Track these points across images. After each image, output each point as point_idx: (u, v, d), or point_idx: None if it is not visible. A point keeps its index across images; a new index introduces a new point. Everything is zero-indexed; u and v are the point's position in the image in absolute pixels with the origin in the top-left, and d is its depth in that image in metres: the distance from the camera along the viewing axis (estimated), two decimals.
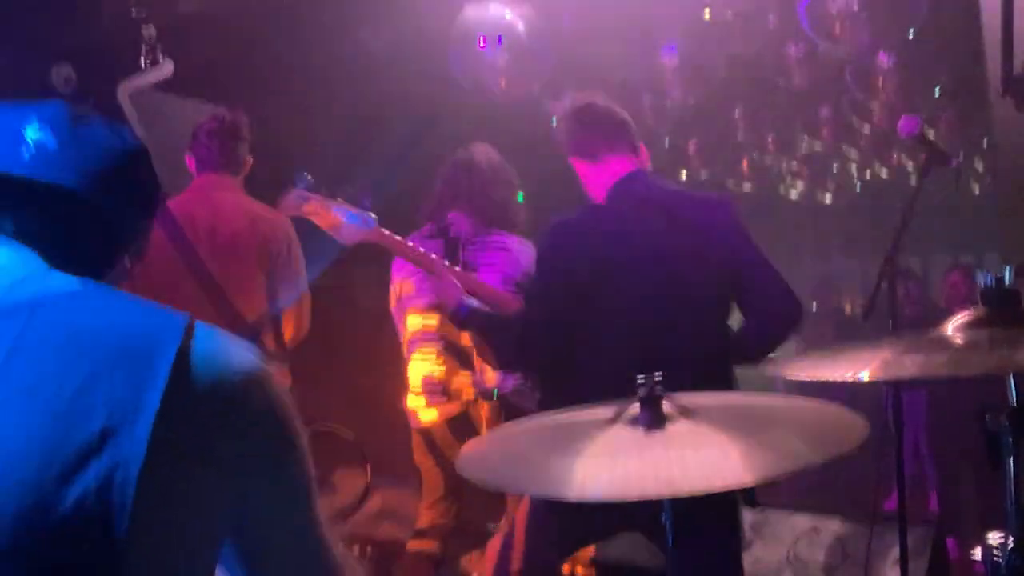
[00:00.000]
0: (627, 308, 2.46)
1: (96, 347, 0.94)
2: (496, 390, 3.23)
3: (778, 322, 2.55)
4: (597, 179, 2.63)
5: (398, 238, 2.98)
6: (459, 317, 2.75)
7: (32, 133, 1.08)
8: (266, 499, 1.02)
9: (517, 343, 2.60)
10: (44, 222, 1.07)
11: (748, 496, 2.66)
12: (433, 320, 3.29)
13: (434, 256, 2.99)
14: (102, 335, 0.96)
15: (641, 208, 2.56)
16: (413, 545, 3.46)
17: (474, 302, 2.77)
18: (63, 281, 1.02)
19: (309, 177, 2.93)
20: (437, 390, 3.29)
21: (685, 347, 2.37)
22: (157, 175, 1.19)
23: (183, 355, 0.96)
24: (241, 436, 0.98)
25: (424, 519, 3.44)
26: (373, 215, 2.93)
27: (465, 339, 3.18)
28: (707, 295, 2.50)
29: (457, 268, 3.07)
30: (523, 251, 3.27)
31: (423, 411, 3.32)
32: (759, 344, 2.51)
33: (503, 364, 2.92)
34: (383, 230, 2.94)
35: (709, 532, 2.33)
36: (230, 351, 1.02)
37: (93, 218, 1.10)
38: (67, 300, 0.99)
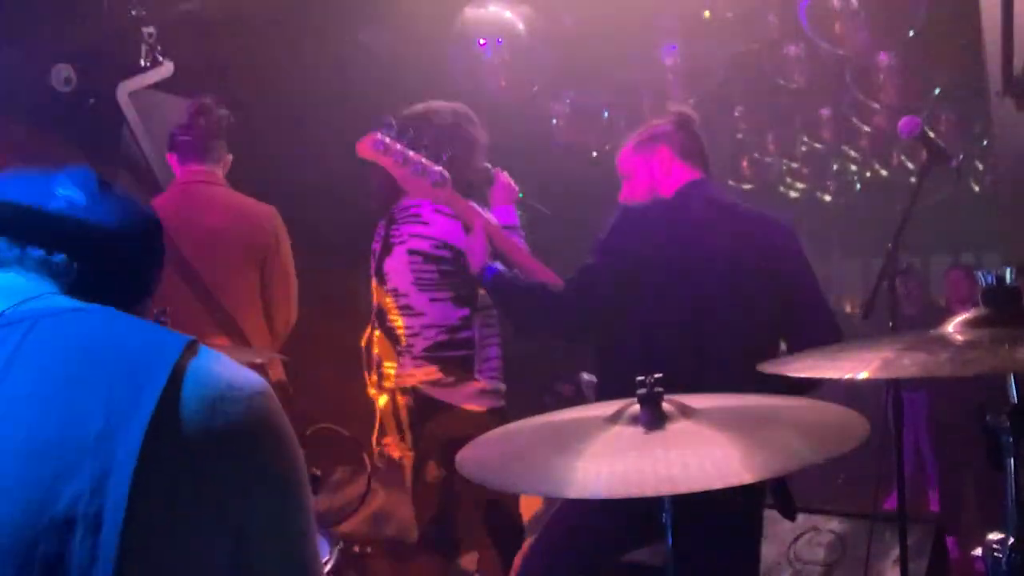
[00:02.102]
0: (680, 305, 2.48)
1: (96, 357, 0.95)
2: (410, 384, 3.08)
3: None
4: (666, 178, 2.68)
5: (464, 201, 2.90)
6: (483, 279, 2.78)
7: (62, 190, 1.12)
8: (259, 528, 0.99)
9: (553, 306, 2.63)
10: (70, 259, 1.10)
11: (787, 510, 2.61)
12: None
13: (486, 221, 2.91)
14: (102, 347, 0.97)
15: (709, 212, 2.61)
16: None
17: (499, 265, 2.77)
18: (69, 301, 1.04)
19: (393, 123, 2.84)
20: (376, 373, 3.21)
21: (733, 355, 2.38)
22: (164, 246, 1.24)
23: (178, 372, 0.96)
24: (234, 459, 0.97)
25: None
26: (447, 175, 2.86)
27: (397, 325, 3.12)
28: (761, 312, 2.52)
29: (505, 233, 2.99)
30: (438, 219, 3.04)
31: (379, 397, 3.21)
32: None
33: (519, 329, 2.87)
34: (454, 192, 2.87)
35: (724, 542, 2.34)
36: (228, 373, 1.01)
37: (118, 262, 1.14)
38: (71, 314, 1.01)
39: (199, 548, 0.95)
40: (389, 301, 3.12)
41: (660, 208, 2.64)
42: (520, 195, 3.38)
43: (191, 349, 1.00)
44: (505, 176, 3.33)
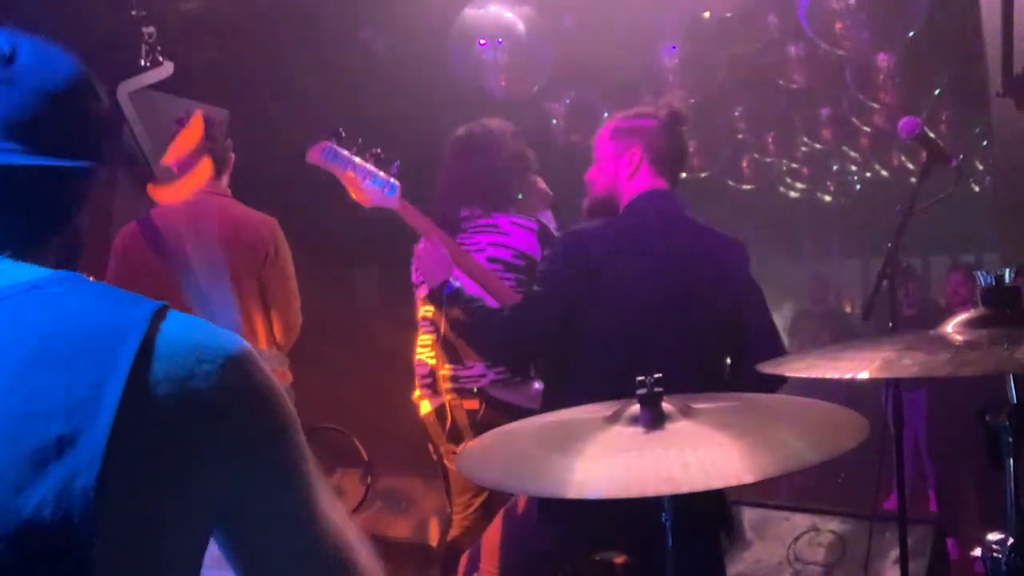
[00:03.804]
0: (630, 326, 2.43)
1: (55, 345, 0.88)
2: (476, 387, 3.12)
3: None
4: (627, 181, 2.60)
5: (416, 211, 2.87)
6: (439, 296, 2.70)
7: None
8: (251, 490, 0.95)
9: (500, 336, 2.57)
10: None
11: (729, 530, 2.57)
12: (430, 309, 3.19)
13: (442, 233, 2.88)
14: (62, 331, 0.89)
15: (659, 228, 2.53)
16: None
17: (457, 284, 2.70)
18: (27, 272, 0.95)
19: (343, 133, 2.84)
20: (427, 383, 3.21)
21: (684, 375, 2.33)
22: (96, 101, 1.07)
23: (147, 348, 0.90)
24: (214, 427, 0.92)
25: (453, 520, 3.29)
26: (397, 183, 2.84)
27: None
28: (709, 334, 2.48)
29: (468, 250, 3.00)
30: (515, 230, 3.15)
31: (421, 403, 3.26)
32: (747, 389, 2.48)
33: (480, 353, 2.85)
34: (404, 201, 2.85)
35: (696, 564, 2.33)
36: (202, 339, 0.94)
37: (37, 190, 1.00)
38: (27, 294, 0.92)
39: (175, 535, 0.90)
40: None
41: (606, 229, 2.54)
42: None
43: (158, 320, 0.92)
44: (540, 182, 3.38)
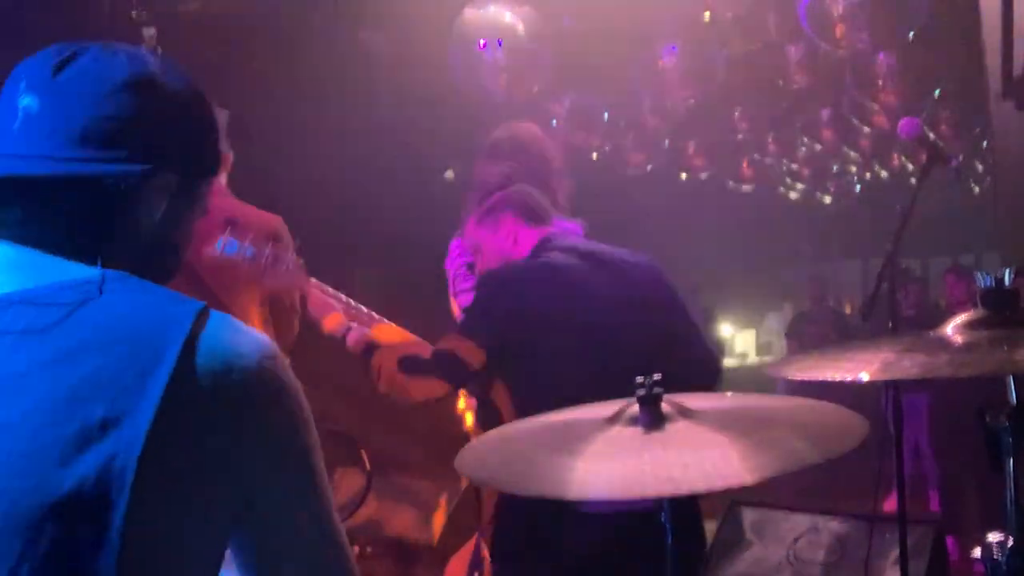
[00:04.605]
0: (567, 352, 2.43)
1: (105, 335, 0.94)
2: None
3: (700, 382, 2.44)
4: (515, 246, 2.61)
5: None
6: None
7: (21, 97, 1.01)
8: (273, 489, 1.00)
9: (435, 372, 2.59)
10: (39, 209, 1.01)
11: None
12: None
13: (340, 303, 2.98)
14: (112, 323, 0.95)
15: (569, 261, 2.54)
16: None
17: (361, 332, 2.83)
18: (77, 271, 0.99)
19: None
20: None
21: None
22: (192, 105, 1.10)
23: (190, 344, 0.95)
24: (246, 426, 0.97)
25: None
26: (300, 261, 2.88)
27: None
28: (639, 348, 2.47)
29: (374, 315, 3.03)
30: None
31: (467, 414, 3.26)
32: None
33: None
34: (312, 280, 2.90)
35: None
36: (239, 339, 1.00)
37: (85, 194, 1.01)
38: (85, 287, 0.98)
39: (202, 524, 0.95)
40: None
41: (519, 269, 2.56)
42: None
43: (201, 319, 0.98)
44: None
